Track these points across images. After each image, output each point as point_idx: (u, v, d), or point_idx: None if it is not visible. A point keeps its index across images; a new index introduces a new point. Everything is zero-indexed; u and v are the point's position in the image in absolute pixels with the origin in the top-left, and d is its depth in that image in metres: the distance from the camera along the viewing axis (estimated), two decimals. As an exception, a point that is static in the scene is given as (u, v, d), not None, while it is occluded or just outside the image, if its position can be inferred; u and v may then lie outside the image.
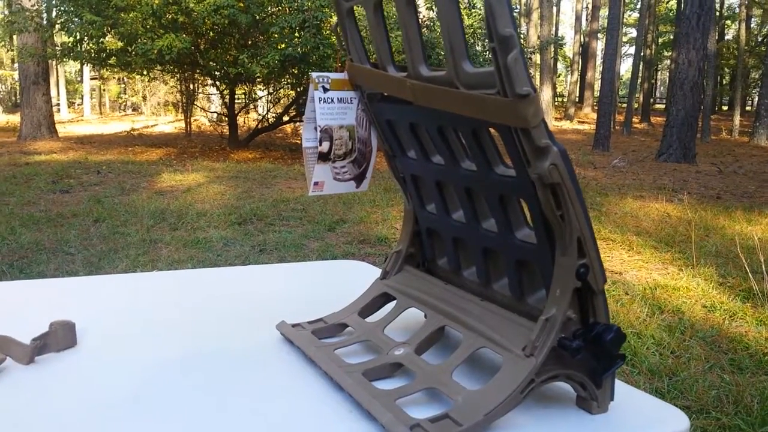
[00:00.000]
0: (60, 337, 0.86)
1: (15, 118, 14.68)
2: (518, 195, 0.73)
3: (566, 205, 0.65)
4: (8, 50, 23.68)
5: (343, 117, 0.95)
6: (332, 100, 0.93)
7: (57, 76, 28.26)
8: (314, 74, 0.93)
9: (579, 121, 23.92)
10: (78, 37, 10.34)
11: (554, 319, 0.68)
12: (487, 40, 0.81)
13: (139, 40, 9.49)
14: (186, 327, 0.99)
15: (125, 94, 28.71)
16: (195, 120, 14.63)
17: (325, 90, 0.93)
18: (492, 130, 0.74)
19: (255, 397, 0.76)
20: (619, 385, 0.84)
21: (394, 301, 0.94)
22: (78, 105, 30.05)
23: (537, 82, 23.61)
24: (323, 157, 0.94)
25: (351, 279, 1.02)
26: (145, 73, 11.33)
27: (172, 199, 6.57)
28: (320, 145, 0.93)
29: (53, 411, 0.71)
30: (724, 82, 35.96)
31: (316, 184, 0.96)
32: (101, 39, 10.22)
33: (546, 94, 21.32)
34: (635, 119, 23.68)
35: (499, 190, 0.76)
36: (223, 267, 1.46)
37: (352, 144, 0.96)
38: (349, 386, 0.74)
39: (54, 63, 24.40)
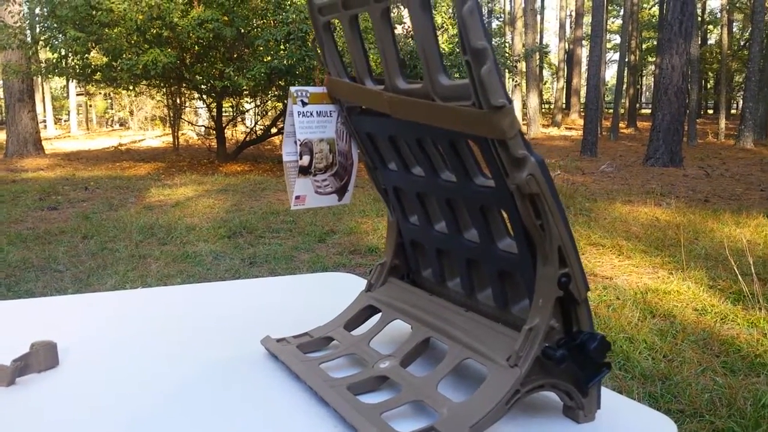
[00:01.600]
0: (41, 358, 0.84)
1: (1, 136, 14.58)
2: (498, 205, 0.73)
3: (546, 214, 0.65)
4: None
5: (323, 130, 0.95)
6: (311, 114, 0.93)
7: (43, 93, 28.16)
8: (293, 89, 0.93)
9: (566, 128, 24.05)
10: (62, 54, 10.30)
11: (537, 328, 0.68)
12: (461, 53, 0.84)
13: (124, 56, 9.46)
14: (170, 345, 0.97)
15: (112, 109, 28.63)
16: (183, 134, 14.59)
17: (304, 104, 0.93)
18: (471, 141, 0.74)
19: (238, 414, 0.74)
20: (607, 393, 0.83)
21: (380, 314, 0.93)
22: (65, 121, 29.93)
23: (523, 89, 23.75)
24: (304, 171, 0.94)
25: (338, 292, 1.01)
26: (131, 88, 11.30)
27: (161, 213, 6.54)
28: (300, 158, 0.93)
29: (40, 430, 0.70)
30: (709, 86, 36.29)
31: (297, 198, 0.95)
32: (86, 55, 10.19)
33: (533, 101, 21.43)
34: (622, 124, 23.83)
35: (479, 201, 0.76)
36: (209, 282, 1.45)
37: (332, 157, 0.96)
38: (333, 401, 0.73)
39: (39, 79, 24.32)
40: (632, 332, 3.10)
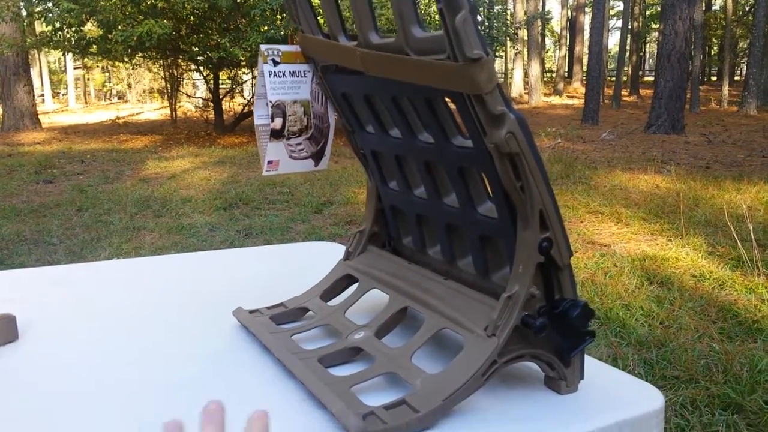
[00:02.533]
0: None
1: (-2, 111, 14.52)
2: (477, 167, 0.69)
3: (526, 175, 0.61)
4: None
5: (297, 91, 0.90)
6: (284, 74, 0.89)
7: (40, 67, 27.95)
8: (263, 47, 0.88)
9: (568, 96, 23.85)
10: (57, 26, 10.17)
11: (517, 296, 0.65)
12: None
13: (119, 27, 9.34)
14: (140, 318, 0.94)
15: (110, 82, 28.45)
16: (180, 106, 14.48)
17: (276, 63, 0.88)
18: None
19: (203, 387, 0.71)
20: (593, 363, 0.79)
21: (357, 283, 0.90)
22: (63, 95, 29.77)
23: (525, 57, 23.51)
24: (276, 135, 0.89)
25: (322, 261, 0.97)
26: (126, 60, 11.17)
27: (157, 186, 6.49)
28: (272, 121, 0.88)
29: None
30: (713, 52, 35.88)
31: (270, 163, 0.91)
32: (80, 27, 10.05)
33: (534, 70, 21.21)
34: (624, 92, 23.63)
35: (457, 163, 0.72)
36: (191, 252, 1.41)
37: (307, 120, 0.91)
38: (301, 373, 0.70)
39: (36, 53, 24.13)
40: (629, 299, 3.07)
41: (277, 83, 0.88)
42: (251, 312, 0.89)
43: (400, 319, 0.80)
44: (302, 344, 0.78)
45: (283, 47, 0.89)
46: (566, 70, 29.34)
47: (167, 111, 15.16)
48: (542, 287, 0.65)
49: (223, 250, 1.38)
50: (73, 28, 10.07)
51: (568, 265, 0.66)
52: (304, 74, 0.90)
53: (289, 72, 0.89)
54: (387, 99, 0.77)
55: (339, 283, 0.93)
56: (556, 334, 0.66)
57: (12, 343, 0.83)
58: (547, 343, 0.66)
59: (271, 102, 0.88)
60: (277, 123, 0.89)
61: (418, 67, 0.65)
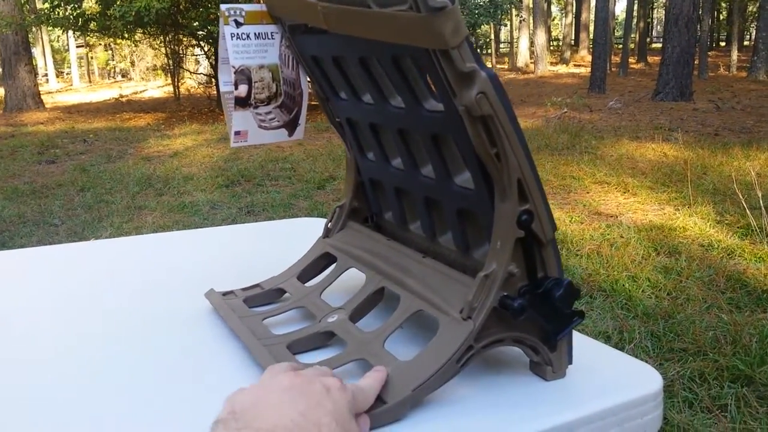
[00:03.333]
0: None
1: (1, 92, 14.46)
2: (450, 133, 0.63)
3: (501, 141, 0.55)
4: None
5: (263, 55, 0.82)
6: (248, 36, 0.81)
7: (43, 46, 27.83)
8: (224, 6, 0.80)
9: (575, 65, 23.57)
10: (55, 3, 10.07)
11: (494, 275, 0.59)
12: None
13: (117, 3, 9.23)
14: (115, 299, 0.90)
15: (113, 60, 28.31)
16: (183, 83, 14.38)
17: (238, 24, 0.80)
18: None
19: (167, 374, 0.67)
20: (587, 342, 0.75)
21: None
22: (66, 74, 29.66)
23: (530, 26, 23.21)
24: (242, 103, 0.82)
25: (308, 238, 0.92)
26: (126, 36, 11.08)
27: (159, 164, 6.45)
28: (236, 88, 0.81)
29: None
30: (721, 17, 35.34)
31: (237, 133, 0.84)
32: (79, 3, 9.95)
33: (540, 38, 20.93)
34: (632, 60, 23.31)
35: (430, 129, 0.66)
36: (178, 231, 1.36)
37: (276, 86, 0.84)
38: (266, 361, 0.64)
39: (39, 32, 23.98)
40: (635, 270, 3.02)
41: (241, 46, 0.81)
42: (224, 294, 0.84)
43: (377, 301, 0.75)
44: (275, 328, 0.74)
45: (247, 6, 0.81)
46: (573, 38, 28.97)
47: (170, 88, 15.08)
48: (523, 265, 0.60)
49: (208, 228, 1.33)
50: (72, 5, 9.97)
51: (552, 240, 0.60)
52: (272, 36, 0.83)
53: (255, 34, 0.82)
54: (355, 60, 0.71)
55: (318, 262, 0.87)
56: (540, 315, 0.61)
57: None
58: (530, 325, 0.61)
59: (234, 67, 0.80)
60: (242, 90, 0.82)
61: (381, 21, 0.59)
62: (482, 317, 0.58)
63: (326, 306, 0.76)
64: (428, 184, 0.72)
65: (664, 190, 4.62)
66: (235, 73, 0.80)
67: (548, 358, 0.63)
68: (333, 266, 0.84)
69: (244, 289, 0.86)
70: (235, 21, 0.80)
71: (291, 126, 0.88)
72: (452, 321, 0.60)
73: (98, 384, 0.65)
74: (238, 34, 0.80)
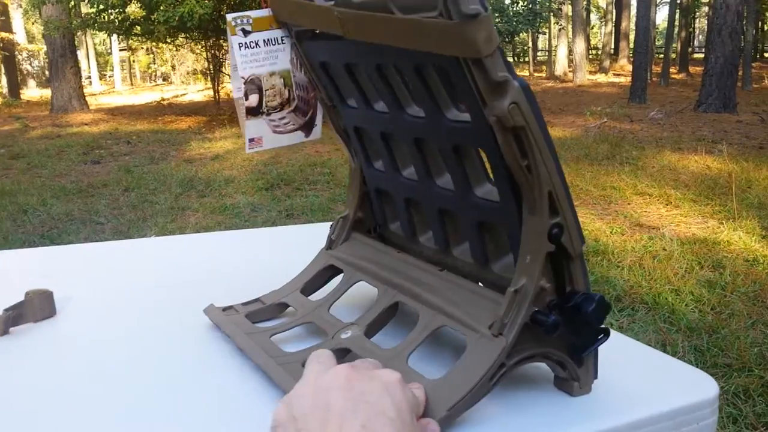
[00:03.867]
0: (37, 307, 0.81)
1: (48, 93, 14.82)
2: (476, 144, 0.61)
3: (533, 152, 0.54)
4: (34, 22, 23.88)
5: (274, 61, 0.80)
6: (256, 44, 0.79)
7: (87, 49, 28.47)
8: (230, 16, 0.78)
9: (614, 74, 23.30)
10: (101, 7, 10.31)
11: (525, 290, 0.57)
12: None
13: (161, 8, 9.41)
14: (169, 298, 0.92)
15: (155, 64, 28.83)
16: (223, 87, 14.58)
17: (246, 33, 0.78)
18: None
19: (172, 401, 0.64)
20: (642, 349, 0.75)
21: (341, 275, 0.82)
22: (109, 77, 30.30)
23: (569, 34, 23.03)
24: (253, 112, 0.80)
25: (319, 246, 0.88)
26: (169, 41, 11.28)
27: (201, 166, 6.56)
28: (246, 99, 0.79)
29: (26, 383, 0.66)
30: (766, 27, 34.62)
31: (252, 140, 0.82)
32: (124, 8, 10.17)
33: (579, 47, 20.76)
34: (673, 70, 22.96)
35: (452, 140, 0.64)
36: (194, 234, 1.40)
37: (288, 92, 0.82)
38: (284, 382, 0.61)
39: (83, 36, 24.53)
40: (678, 284, 2.99)
41: (250, 55, 0.78)
42: (224, 309, 0.80)
43: (390, 316, 0.72)
44: (283, 345, 0.70)
45: (254, 13, 0.79)
46: (612, 46, 28.67)
47: (210, 92, 15.30)
48: (552, 279, 0.59)
49: (217, 233, 1.35)
50: (117, 9, 10.19)
51: (580, 255, 0.59)
52: (282, 41, 0.80)
53: (264, 41, 0.79)
54: (371, 68, 0.69)
55: (321, 274, 0.83)
56: (569, 331, 0.59)
57: (49, 318, 0.83)
58: (558, 341, 0.60)
59: (243, 77, 0.78)
60: (253, 100, 0.79)
61: (405, 28, 0.56)
62: (514, 333, 0.57)
63: (336, 321, 0.73)
64: (445, 195, 0.70)
65: (708, 203, 4.55)
66: (244, 83, 0.79)
67: (575, 374, 0.62)
68: (340, 279, 0.81)
69: (244, 304, 0.82)
70: (243, 30, 0.79)
71: (307, 127, 0.87)
72: (482, 338, 0.59)
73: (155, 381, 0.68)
74: (246, 43, 0.79)
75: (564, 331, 0.58)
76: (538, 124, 0.53)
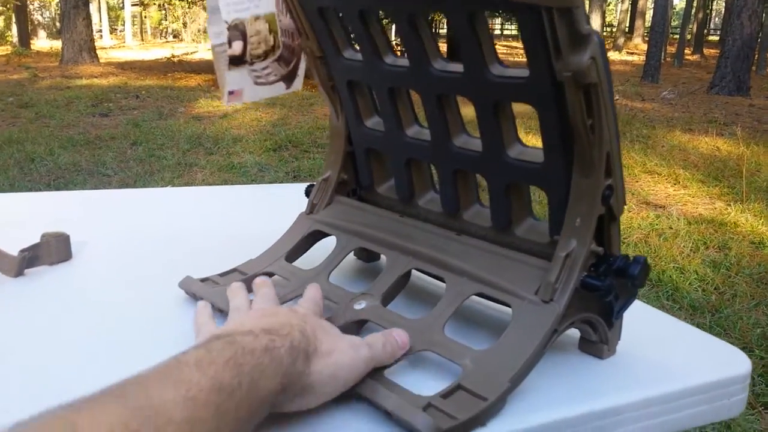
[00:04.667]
0: (53, 250, 0.80)
1: (58, 44, 14.71)
2: (530, 101, 0.57)
3: (599, 112, 0.51)
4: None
5: (257, 3, 0.73)
6: None
7: (99, 2, 28.18)
8: None
9: (628, 52, 23.02)
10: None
11: (576, 254, 0.56)
12: None
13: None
14: (186, 244, 0.92)
15: (166, 20, 28.56)
16: (234, 46, 14.43)
17: None
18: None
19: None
20: (673, 322, 0.75)
21: (326, 242, 0.77)
22: (120, 31, 30.04)
23: (585, 9, 22.69)
24: (236, 62, 0.74)
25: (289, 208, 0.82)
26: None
27: (209, 124, 6.53)
28: (230, 46, 0.72)
29: (38, 325, 0.66)
30: (785, 11, 34.07)
31: (231, 93, 0.76)
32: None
33: (595, 23, 20.50)
34: (687, 51, 22.68)
35: (496, 96, 0.59)
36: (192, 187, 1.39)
37: (273, 38, 0.75)
38: None
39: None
40: (683, 263, 2.99)
41: None
42: (202, 281, 0.73)
43: (403, 284, 0.69)
44: None
45: None
46: (627, 25, 28.29)
47: (220, 50, 15.11)
48: (594, 242, 0.57)
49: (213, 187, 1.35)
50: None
51: (619, 216, 0.58)
52: None
53: None
54: (401, 17, 0.62)
55: (305, 241, 0.77)
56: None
57: (66, 261, 0.82)
58: (596, 303, 0.59)
59: (227, 22, 0.71)
60: (237, 48, 0.73)
61: None
62: (566, 299, 0.55)
63: (342, 291, 0.68)
64: (466, 156, 0.66)
65: (716, 185, 4.53)
66: (228, 29, 0.73)
67: (605, 336, 0.61)
68: (326, 246, 0.75)
69: (221, 275, 0.75)
70: None
71: (289, 78, 0.81)
72: (530, 305, 0.57)
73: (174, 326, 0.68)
74: None
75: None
76: (608, 83, 0.51)
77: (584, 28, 0.49)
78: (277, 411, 0.47)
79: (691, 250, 3.18)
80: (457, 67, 0.62)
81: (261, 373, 0.44)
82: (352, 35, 0.71)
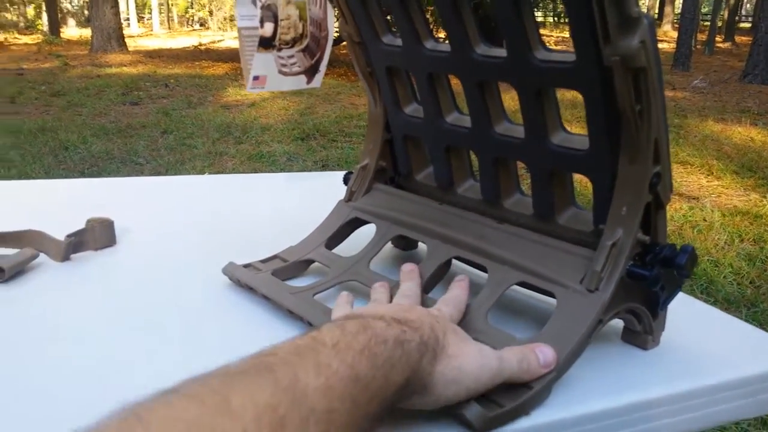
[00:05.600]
0: (98, 235, 0.81)
1: (87, 32, 14.88)
2: (576, 86, 0.56)
3: (648, 97, 0.50)
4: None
5: None
6: None
7: (126, -10, 28.43)
8: None
9: (658, 40, 22.67)
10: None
11: (623, 243, 0.55)
12: None
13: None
14: (225, 230, 0.93)
15: (192, 8, 28.73)
16: (261, 35, 14.49)
17: None
18: None
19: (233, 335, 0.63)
20: (711, 312, 0.73)
21: (366, 230, 0.77)
22: (147, 20, 30.28)
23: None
24: (265, 44, 0.73)
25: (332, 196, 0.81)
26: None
27: (238, 113, 6.57)
28: (262, 26, 0.71)
29: (86, 309, 0.67)
30: (822, -2, 33.24)
31: (256, 78, 0.75)
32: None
33: (624, 11, 20.16)
34: (718, 38, 22.23)
35: (541, 82, 0.58)
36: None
37: (303, 27, 0.75)
38: None
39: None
40: (718, 256, 2.95)
41: None
42: (245, 266, 0.74)
43: (445, 272, 0.69)
44: (331, 305, 0.64)
45: None
46: (656, 11, 27.82)
47: (248, 39, 15.17)
48: (640, 231, 0.56)
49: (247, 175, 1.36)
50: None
51: (666, 203, 0.57)
52: None
53: None
54: (444, 1, 0.61)
55: (344, 228, 0.78)
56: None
57: (110, 247, 0.83)
58: (641, 293, 0.58)
59: (261, 1, 0.70)
60: (268, 29, 0.72)
61: None
62: (612, 289, 0.55)
63: (383, 279, 0.68)
64: (508, 142, 0.65)
65: (751, 176, 4.45)
66: (262, 8, 0.71)
67: (650, 327, 0.61)
68: (366, 234, 0.76)
69: (263, 261, 0.76)
70: None
71: (311, 72, 0.81)
72: (574, 293, 0.57)
73: (221, 313, 0.69)
74: None
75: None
76: (657, 67, 0.50)
77: (634, 11, 0.48)
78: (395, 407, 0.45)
79: (725, 242, 3.13)
80: (501, 52, 0.61)
81: (392, 367, 0.42)
82: (391, 20, 0.71)
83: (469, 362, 0.48)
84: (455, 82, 0.69)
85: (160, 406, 0.32)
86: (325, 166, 4.57)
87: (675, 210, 3.63)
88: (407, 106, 0.76)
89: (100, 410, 0.31)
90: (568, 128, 0.62)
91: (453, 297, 0.61)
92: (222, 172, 4.28)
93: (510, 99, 0.62)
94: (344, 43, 0.75)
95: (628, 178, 0.55)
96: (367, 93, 0.79)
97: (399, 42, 0.70)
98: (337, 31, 0.79)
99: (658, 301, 0.59)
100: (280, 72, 0.77)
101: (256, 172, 4.33)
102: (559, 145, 0.61)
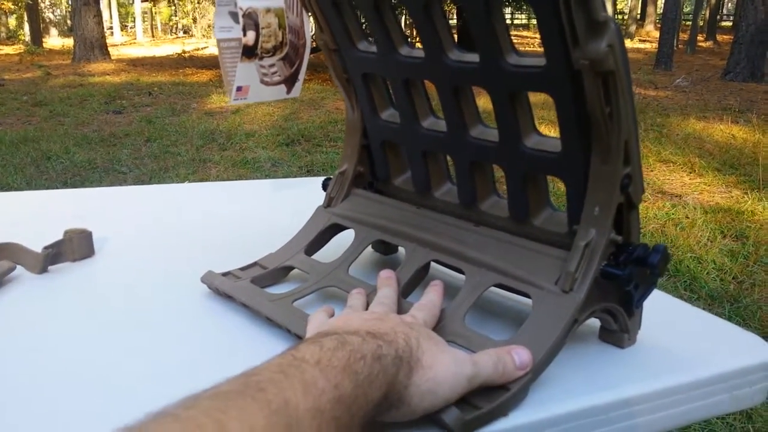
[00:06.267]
0: (75, 246, 0.81)
1: (70, 42, 14.80)
2: (547, 90, 0.56)
3: (617, 99, 0.51)
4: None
5: None
6: None
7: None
8: None
9: (640, 40, 22.82)
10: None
11: (596, 243, 0.56)
12: None
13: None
14: (206, 239, 0.93)
15: (176, 16, 28.63)
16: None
17: None
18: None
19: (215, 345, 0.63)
20: (689, 310, 0.74)
21: (340, 235, 0.77)
22: (131, 28, 30.16)
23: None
24: (248, 53, 0.73)
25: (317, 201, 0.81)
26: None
27: (222, 119, 6.55)
28: (244, 35, 0.71)
29: (64, 321, 0.67)
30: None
31: (239, 89, 0.75)
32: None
33: (606, 10, 20.30)
34: (700, 37, 22.43)
35: (513, 86, 0.59)
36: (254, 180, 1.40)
37: (282, 35, 0.75)
38: None
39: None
40: (700, 252, 2.97)
41: None
42: (224, 275, 0.73)
43: (423, 276, 0.69)
44: (309, 312, 0.64)
45: None
46: (639, 12, 28.04)
47: (231, 45, 15.13)
48: (613, 231, 0.57)
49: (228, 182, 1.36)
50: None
51: (638, 204, 0.58)
52: None
53: None
54: (417, 7, 0.62)
55: (323, 234, 0.78)
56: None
57: (88, 258, 0.82)
58: (616, 292, 0.59)
59: (242, 9, 0.70)
60: (250, 37, 0.72)
61: None
62: (586, 289, 0.55)
63: (362, 284, 0.68)
64: (482, 146, 0.65)
65: (732, 173, 4.49)
66: (243, 16, 0.71)
67: (626, 325, 0.61)
68: (344, 240, 0.76)
69: (242, 269, 0.75)
70: None
71: (290, 81, 0.81)
72: (549, 294, 0.57)
73: (200, 322, 0.69)
74: None
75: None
76: (625, 71, 0.51)
77: (601, 16, 0.49)
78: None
79: (708, 239, 3.16)
80: (473, 57, 0.61)
81: (371, 384, 0.42)
82: (365, 27, 0.71)
83: (443, 371, 0.48)
84: (430, 87, 0.69)
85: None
86: (310, 171, 4.57)
87: (658, 208, 3.66)
88: (384, 112, 0.76)
89: (78, 423, 0.30)
90: (543, 131, 0.62)
91: (427, 302, 0.61)
92: (206, 179, 4.27)
93: (486, 101, 0.63)
94: (323, 50, 0.75)
95: (599, 179, 0.56)
96: (345, 99, 0.79)
97: (374, 49, 0.71)
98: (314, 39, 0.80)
99: (632, 300, 0.60)
100: (262, 81, 0.77)
101: (240, 178, 4.32)
102: (532, 148, 0.61)
